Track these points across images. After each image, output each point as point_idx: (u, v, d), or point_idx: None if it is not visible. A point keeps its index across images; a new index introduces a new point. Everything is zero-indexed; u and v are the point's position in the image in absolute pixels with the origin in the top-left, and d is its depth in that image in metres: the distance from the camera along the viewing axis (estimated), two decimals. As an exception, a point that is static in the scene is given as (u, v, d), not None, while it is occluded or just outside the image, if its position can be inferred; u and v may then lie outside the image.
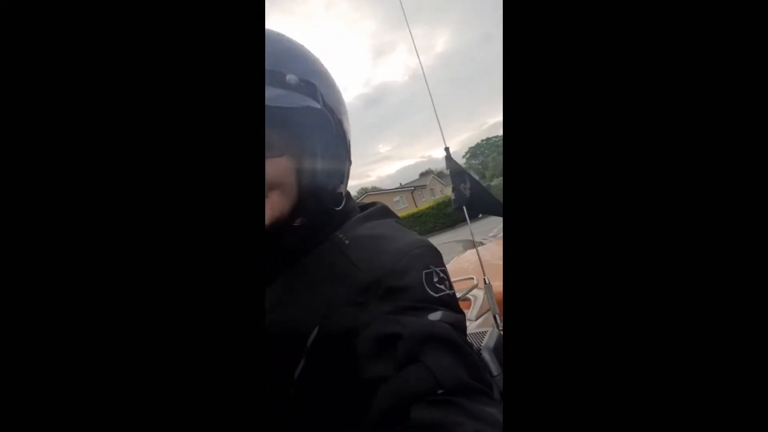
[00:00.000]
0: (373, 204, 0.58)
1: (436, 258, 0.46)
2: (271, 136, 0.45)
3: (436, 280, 0.44)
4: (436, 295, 0.43)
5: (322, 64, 0.51)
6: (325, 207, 0.51)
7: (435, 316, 0.40)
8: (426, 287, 0.43)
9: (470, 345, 0.40)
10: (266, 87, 0.43)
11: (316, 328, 0.42)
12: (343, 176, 0.54)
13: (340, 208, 0.53)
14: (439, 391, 0.34)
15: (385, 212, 0.55)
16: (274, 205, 0.46)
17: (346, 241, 0.47)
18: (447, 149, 1.46)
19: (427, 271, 0.44)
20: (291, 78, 0.46)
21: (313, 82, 0.48)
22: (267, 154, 0.45)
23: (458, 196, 1.48)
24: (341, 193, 0.55)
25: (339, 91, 0.53)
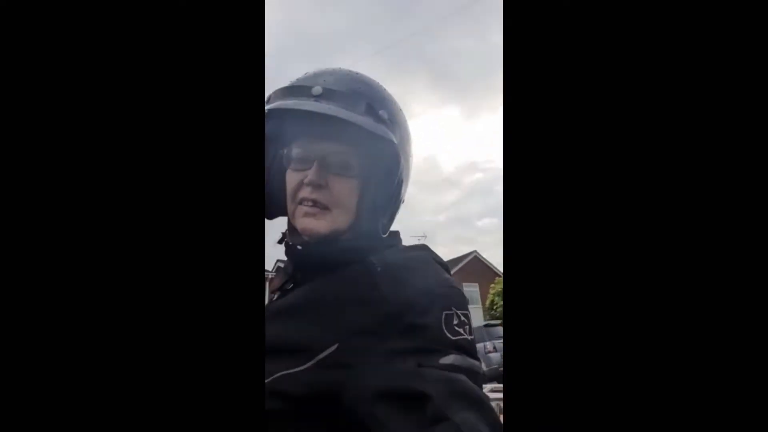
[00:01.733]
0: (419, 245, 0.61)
1: (459, 301, 0.48)
2: (352, 157, 0.54)
3: (455, 322, 0.45)
4: (453, 338, 0.44)
5: (403, 113, 0.60)
6: (373, 232, 0.56)
7: (447, 359, 0.42)
8: (444, 329, 0.44)
9: (487, 397, 0.42)
10: (363, 116, 0.51)
11: (335, 346, 0.44)
12: (394, 212, 0.61)
13: (385, 236, 0.59)
14: None
15: (425, 249, 0.58)
16: (335, 219, 0.53)
17: (378, 268, 0.49)
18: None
19: (447, 312, 0.45)
20: (383, 113, 0.54)
21: (398, 122, 0.57)
22: (344, 173, 0.54)
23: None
24: (388, 225, 0.60)
25: (411, 141, 0.61)
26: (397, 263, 0.51)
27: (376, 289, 0.47)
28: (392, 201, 0.58)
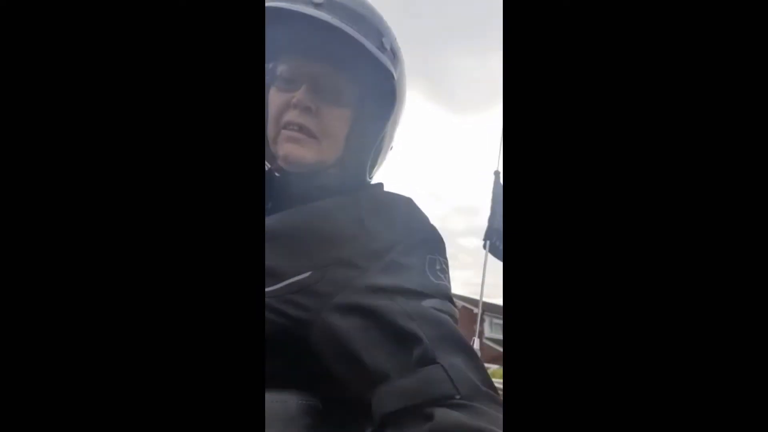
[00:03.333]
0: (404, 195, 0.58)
1: (442, 248, 0.46)
2: (347, 84, 0.48)
3: (438, 268, 0.43)
4: (435, 282, 0.42)
5: (401, 53, 0.54)
6: (360, 172, 0.52)
7: (430, 302, 0.39)
8: (428, 272, 0.42)
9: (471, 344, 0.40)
10: (364, 38, 0.45)
11: (308, 273, 0.41)
12: (382, 156, 0.56)
13: (370, 179, 0.54)
14: (457, 397, 0.33)
15: (407, 198, 0.54)
16: (322, 150, 0.48)
17: (364, 203, 0.47)
18: (497, 173, 1.41)
19: (431, 256, 0.43)
20: (386, 42, 0.49)
21: (399, 58, 0.51)
22: (336, 100, 0.48)
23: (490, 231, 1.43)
24: (374, 170, 0.56)
25: (406, 84, 0.56)
26: (385, 201, 0.49)
27: (360, 222, 0.44)
28: (383, 143, 0.52)
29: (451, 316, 0.40)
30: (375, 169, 0.56)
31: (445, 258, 0.46)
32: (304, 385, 0.41)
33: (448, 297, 0.43)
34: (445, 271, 0.44)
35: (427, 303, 0.39)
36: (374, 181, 0.57)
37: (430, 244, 0.45)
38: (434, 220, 0.49)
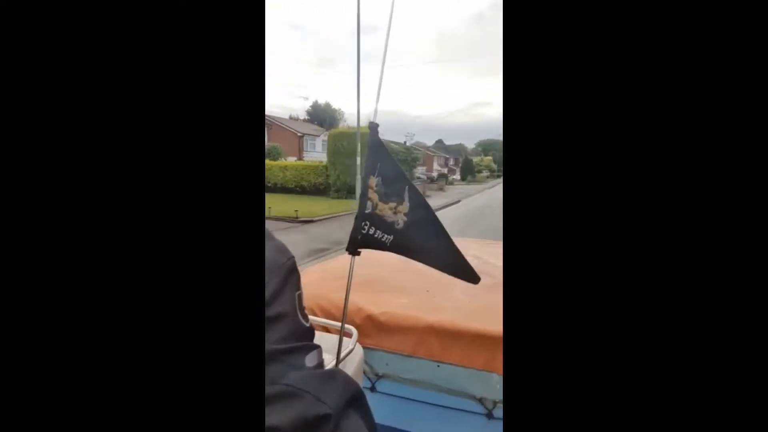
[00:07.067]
0: None
1: (299, 275, 0.39)
2: None
3: (304, 304, 0.38)
4: (307, 325, 0.37)
5: None
6: None
7: (312, 358, 0.35)
8: (299, 315, 0.37)
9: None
10: None
11: None
12: None
13: None
14: None
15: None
16: None
17: None
18: (374, 125, 0.94)
19: (298, 292, 0.37)
20: None
21: None
22: None
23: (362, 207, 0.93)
24: None
25: None
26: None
27: None
28: None
29: (321, 363, 0.37)
30: None
31: (299, 282, 0.40)
32: None
33: (313, 332, 0.39)
34: (302, 297, 0.39)
35: (312, 361, 0.35)
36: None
37: (294, 275, 0.38)
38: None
